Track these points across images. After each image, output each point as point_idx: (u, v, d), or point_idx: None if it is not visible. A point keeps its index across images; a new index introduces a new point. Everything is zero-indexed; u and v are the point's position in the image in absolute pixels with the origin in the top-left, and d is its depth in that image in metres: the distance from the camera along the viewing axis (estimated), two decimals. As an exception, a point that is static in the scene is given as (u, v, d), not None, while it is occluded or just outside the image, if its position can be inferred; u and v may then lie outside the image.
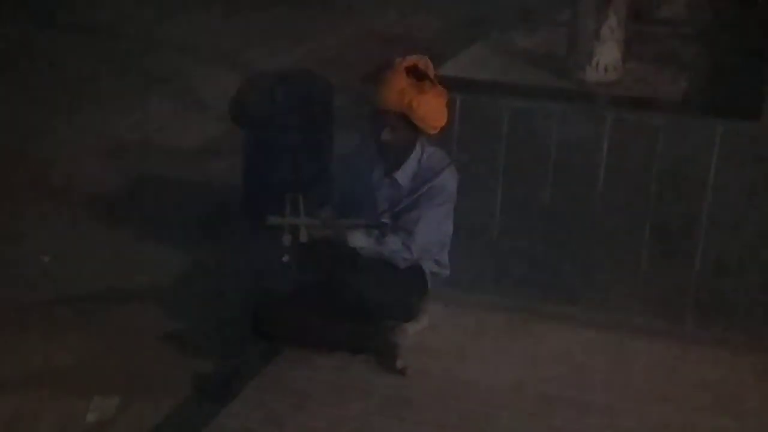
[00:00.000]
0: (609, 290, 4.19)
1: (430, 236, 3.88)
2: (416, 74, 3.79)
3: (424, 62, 3.82)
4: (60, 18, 9.17)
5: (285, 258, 3.73)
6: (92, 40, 8.60)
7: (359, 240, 3.79)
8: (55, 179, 5.84)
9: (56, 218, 5.33)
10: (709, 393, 3.70)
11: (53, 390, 3.80)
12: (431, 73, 3.82)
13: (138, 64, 8.01)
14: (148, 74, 7.75)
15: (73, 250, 4.96)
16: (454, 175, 3.92)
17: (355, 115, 4.29)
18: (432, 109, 3.78)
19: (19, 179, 5.83)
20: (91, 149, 6.29)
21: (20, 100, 7.08)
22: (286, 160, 5.01)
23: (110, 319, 4.32)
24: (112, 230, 5.22)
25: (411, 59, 3.81)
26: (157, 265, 4.79)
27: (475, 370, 3.81)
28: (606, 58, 4.37)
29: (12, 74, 7.69)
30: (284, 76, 5.31)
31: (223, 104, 5.33)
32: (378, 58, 4.51)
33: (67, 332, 4.20)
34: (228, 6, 9.54)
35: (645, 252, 4.11)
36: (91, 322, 4.30)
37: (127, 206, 5.54)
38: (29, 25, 8.96)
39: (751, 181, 3.94)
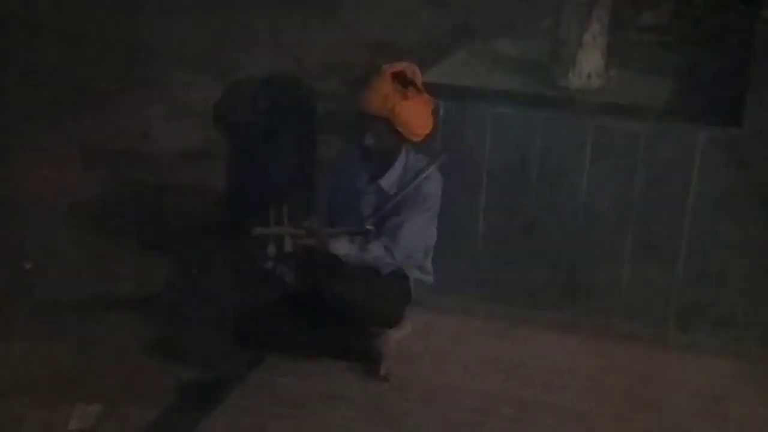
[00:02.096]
0: (592, 296, 4.20)
1: (414, 241, 3.88)
2: (402, 81, 3.79)
3: (411, 69, 3.82)
4: (44, 23, 9.13)
5: (268, 265, 3.73)
6: (75, 45, 8.57)
7: (342, 247, 3.79)
8: (38, 185, 5.82)
9: (39, 224, 5.31)
10: (691, 399, 3.72)
11: (35, 397, 3.79)
12: (419, 80, 3.82)
13: (122, 69, 7.99)
14: (132, 79, 7.72)
15: (55, 256, 4.94)
16: (438, 182, 3.93)
17: (338, 121, 4.29)
18: (415, 115, 3.79)
19: (3, 185, 5.81)
20: (74, 155, 6.27)
21: (2, 106, 7.04)
22: (269, 165, 5.01)
23: (94, 326, 4.31)
24: (95, 237, 5.20)
25: (398, 65, 3.82)
26: (141, 272, 4.78)
27: (459, 376, 3.82)
28: (589, 65, 4.38)
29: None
30: (268, 81, 5.31)
31: (207, 109, 5.32)
32: (362, 65, 4.51)
33: (50, 339, 4.19)
34: (212, 10, 9.52)
35: (628, 258, 4.13)
36: (75, 329, 4.28)
37: (110, 212, 5.52)
38: (13, 29, 8.92)
39: (733, 187, 3.95)
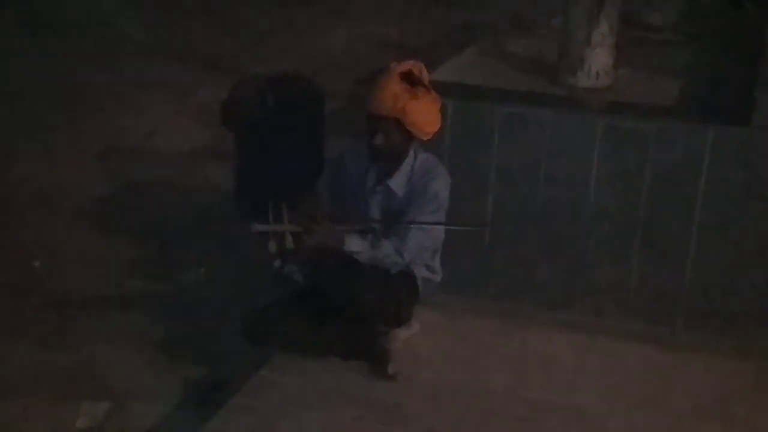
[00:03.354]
0: (600, 295, 4.20)
1: (422, 242, 3.87)
2: (410, 80, 3.78)
3: (418, 68, 3.81)
4: (49, 20, 9.14)
5: (277, 263, 3.72)
6: (81, 43, 8.58)
7: (355, 244, 3.78)
8: (46, 183, 5.83)
9: (47, 223, 5.32)
10: (698, 399, 3.71)
11: (43, 395, 3.80)
12: (425, 78, 3.81)
13: (128, 68, 7.99)
14: (139, 78, 7.73)
15: (63, 254, 4.95)
16: (446, 181, 3.92)
17: (346, 120, 4.29)
18: (425, 114, 3.78)
19: (10, 183, 5.82)
20: (82, 154, 6.28)
21: (10, 104, 7.05)
22: (277, 164, 5.01)
23: (100, 325, 4.32)
24: (103, 235, 5.21)
25: (405, 64, 3.80)
26: (148, 271, 4.78)
27: (466, 375, 3.81)
28: (597, 63, 4.38)
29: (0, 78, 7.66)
30: (275, 80, 5.30)
31: (215, 108, 5.32)
32: (371, 63, 4.51)
33: (57, 337, 4.20)
34: (219, 9, 9.53)
35: (636, 257, 4.12)
36: (81, 327, 4.29)
37: (118, 211, 5.53)
38: (17, 27, 8.93)
39: (742, 186, 3.95)
